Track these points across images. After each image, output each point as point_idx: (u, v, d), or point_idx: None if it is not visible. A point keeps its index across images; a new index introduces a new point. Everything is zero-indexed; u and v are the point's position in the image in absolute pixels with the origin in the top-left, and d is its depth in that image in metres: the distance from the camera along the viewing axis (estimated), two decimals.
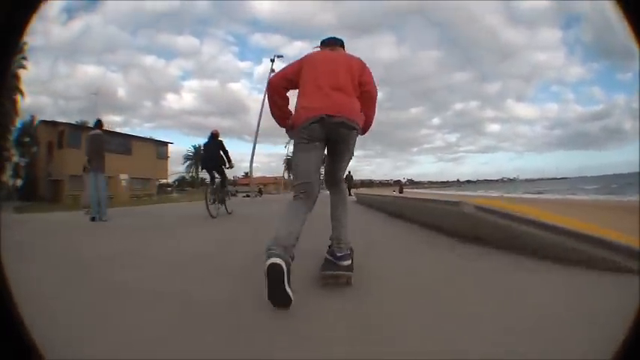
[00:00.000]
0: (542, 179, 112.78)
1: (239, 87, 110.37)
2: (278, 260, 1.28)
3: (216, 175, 6.05)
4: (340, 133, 1.64)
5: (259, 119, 17.10)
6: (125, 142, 23.94)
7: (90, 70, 72.64)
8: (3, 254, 0.66)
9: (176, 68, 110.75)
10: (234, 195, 20.91)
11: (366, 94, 1.76)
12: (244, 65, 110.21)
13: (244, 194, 20.82)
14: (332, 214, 1.79)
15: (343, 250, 1.67)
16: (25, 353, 0.61)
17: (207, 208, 5.53)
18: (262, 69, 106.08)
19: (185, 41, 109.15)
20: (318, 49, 1.91)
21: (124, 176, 15.46)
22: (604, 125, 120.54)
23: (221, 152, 6.04)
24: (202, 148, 6.32)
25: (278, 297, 1.28)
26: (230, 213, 6.24)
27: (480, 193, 26.38)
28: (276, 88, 1.75)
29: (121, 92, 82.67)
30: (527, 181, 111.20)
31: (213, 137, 6.12)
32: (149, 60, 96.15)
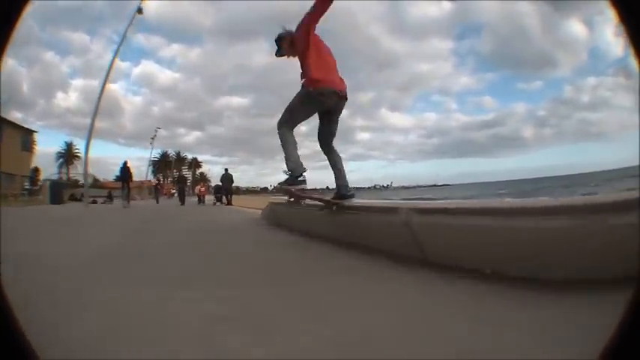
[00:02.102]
0: (419, 186, 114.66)
1: (116, 87, 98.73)
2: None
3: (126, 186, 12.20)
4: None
5: (93, 117, 13.90)
6: None
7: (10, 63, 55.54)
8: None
9: (67, 66, 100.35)
10: (79, 200, 18.34)
11: None
12: (124, 66, 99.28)
13: (91, 200, 17.01)
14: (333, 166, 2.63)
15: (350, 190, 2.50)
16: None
17: (123, 202, 11.80)
18: (139, 70, 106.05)
19: (79, 38, 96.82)
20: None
21: None
22: (494, 133, 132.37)
23: (129, 172, 12.08)
24: (120, 168, 12.18)
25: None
26: (127, 207, 11.17)
27: None
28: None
29: (25, 88, 74.24)
30: (403, 188, 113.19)
31: (125, 164, 12.00)
32: (48, 56, 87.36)
